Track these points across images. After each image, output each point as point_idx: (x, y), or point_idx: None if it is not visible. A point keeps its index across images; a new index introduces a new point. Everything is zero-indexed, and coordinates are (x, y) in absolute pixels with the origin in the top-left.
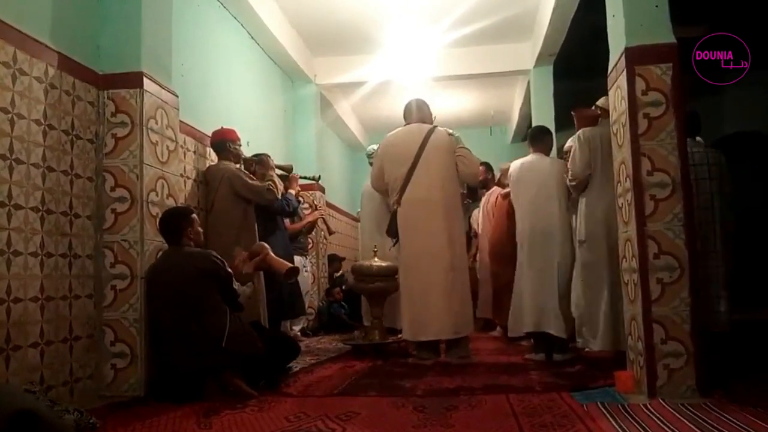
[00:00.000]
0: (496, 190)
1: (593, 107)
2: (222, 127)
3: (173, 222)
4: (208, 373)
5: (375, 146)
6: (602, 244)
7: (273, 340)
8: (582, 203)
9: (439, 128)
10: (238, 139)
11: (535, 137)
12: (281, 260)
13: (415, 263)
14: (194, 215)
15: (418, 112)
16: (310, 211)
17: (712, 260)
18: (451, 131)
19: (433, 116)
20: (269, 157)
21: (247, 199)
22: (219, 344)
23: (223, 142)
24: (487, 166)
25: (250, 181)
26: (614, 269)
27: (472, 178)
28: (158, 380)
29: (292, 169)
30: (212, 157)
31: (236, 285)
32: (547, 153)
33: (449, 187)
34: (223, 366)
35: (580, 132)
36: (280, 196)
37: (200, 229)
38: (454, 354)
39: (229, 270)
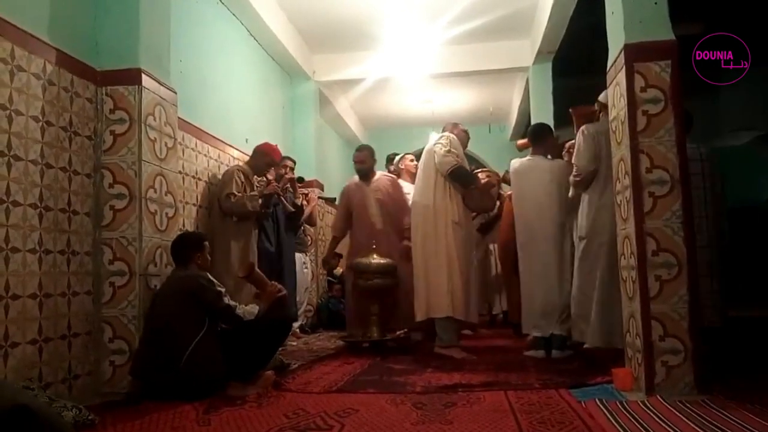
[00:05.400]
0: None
1: (595, 104)
2: (267, 143)
3: (183, 250)
4: (156, 390)
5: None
6: (603, 242)
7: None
8: (584, 200)
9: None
10: (267, 156)
11: (533, 136)
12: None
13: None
14: (206, 242)
15: None
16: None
17: (703, 256)
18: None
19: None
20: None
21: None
22: (177, 363)
23: (255, 154)
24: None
25: (225, 187)
26: (612, 268)
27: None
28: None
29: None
30: (211, 155)
31: (239, 308)
32: (546, 154)
33: (430, 185)
34: (174, 388)
35: (583, 127)
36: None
37: (209, 257)
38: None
39: (219, 289)
